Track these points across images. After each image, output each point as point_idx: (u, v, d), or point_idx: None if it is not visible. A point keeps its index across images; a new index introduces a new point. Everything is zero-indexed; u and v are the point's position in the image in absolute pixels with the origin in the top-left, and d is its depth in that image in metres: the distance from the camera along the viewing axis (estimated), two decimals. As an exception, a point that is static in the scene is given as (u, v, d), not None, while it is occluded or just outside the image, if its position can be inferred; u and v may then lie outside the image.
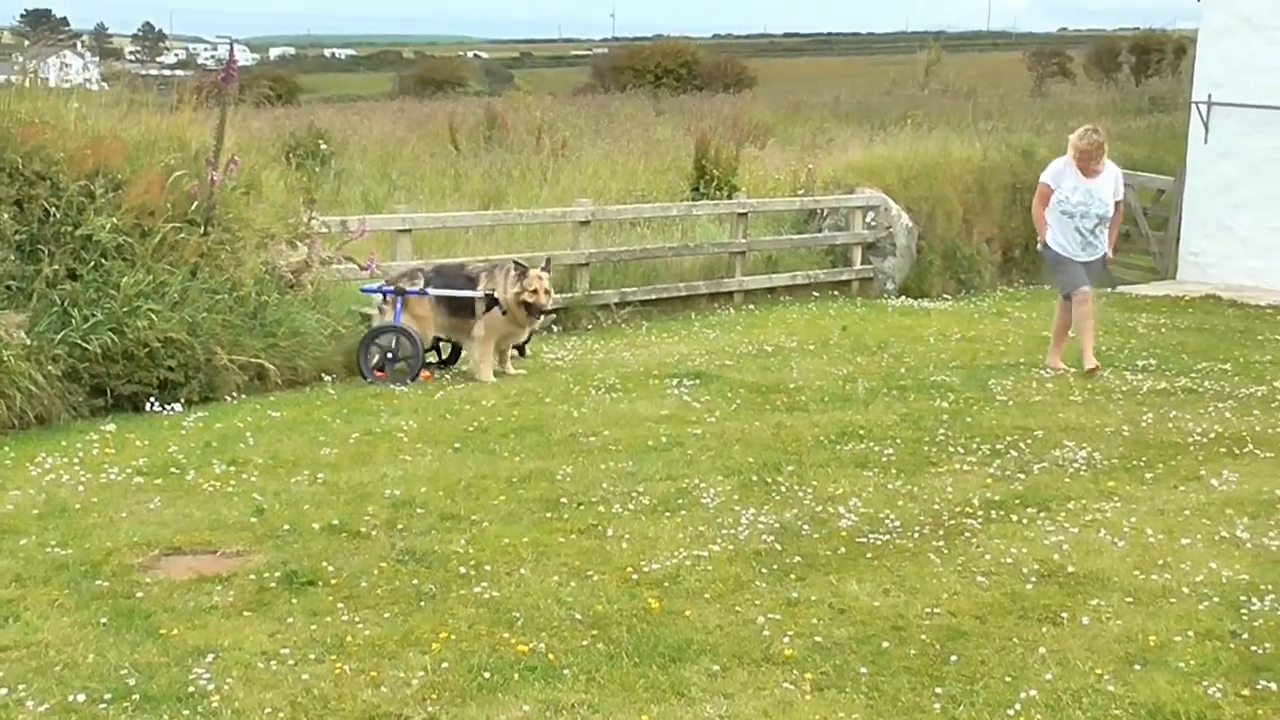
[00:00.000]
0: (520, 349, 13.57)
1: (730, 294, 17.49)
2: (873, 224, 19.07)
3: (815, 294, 18.10)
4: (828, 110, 33.13)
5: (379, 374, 12.74)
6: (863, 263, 19.03)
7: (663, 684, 6.26)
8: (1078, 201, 13.57)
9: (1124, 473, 9.94)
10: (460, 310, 12.94)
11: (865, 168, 19.96)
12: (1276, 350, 15.04)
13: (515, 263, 12.93)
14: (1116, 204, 13.75)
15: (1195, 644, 6.85)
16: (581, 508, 8.81)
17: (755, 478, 9.54)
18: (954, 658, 6.61)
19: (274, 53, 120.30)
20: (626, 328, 15.57)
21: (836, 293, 18.41)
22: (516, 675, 6.30)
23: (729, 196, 18.91)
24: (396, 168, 22.82)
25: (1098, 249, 13.71)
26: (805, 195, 19.30)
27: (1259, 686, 6.36)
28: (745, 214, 17.77)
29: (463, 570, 7.63)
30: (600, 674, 6.34)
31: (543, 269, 12.96)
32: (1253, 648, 6.82)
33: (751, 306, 17.25)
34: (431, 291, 12.97)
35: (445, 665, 6.39)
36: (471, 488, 9.18)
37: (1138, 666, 6.56)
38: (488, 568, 7.67)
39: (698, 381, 12.67)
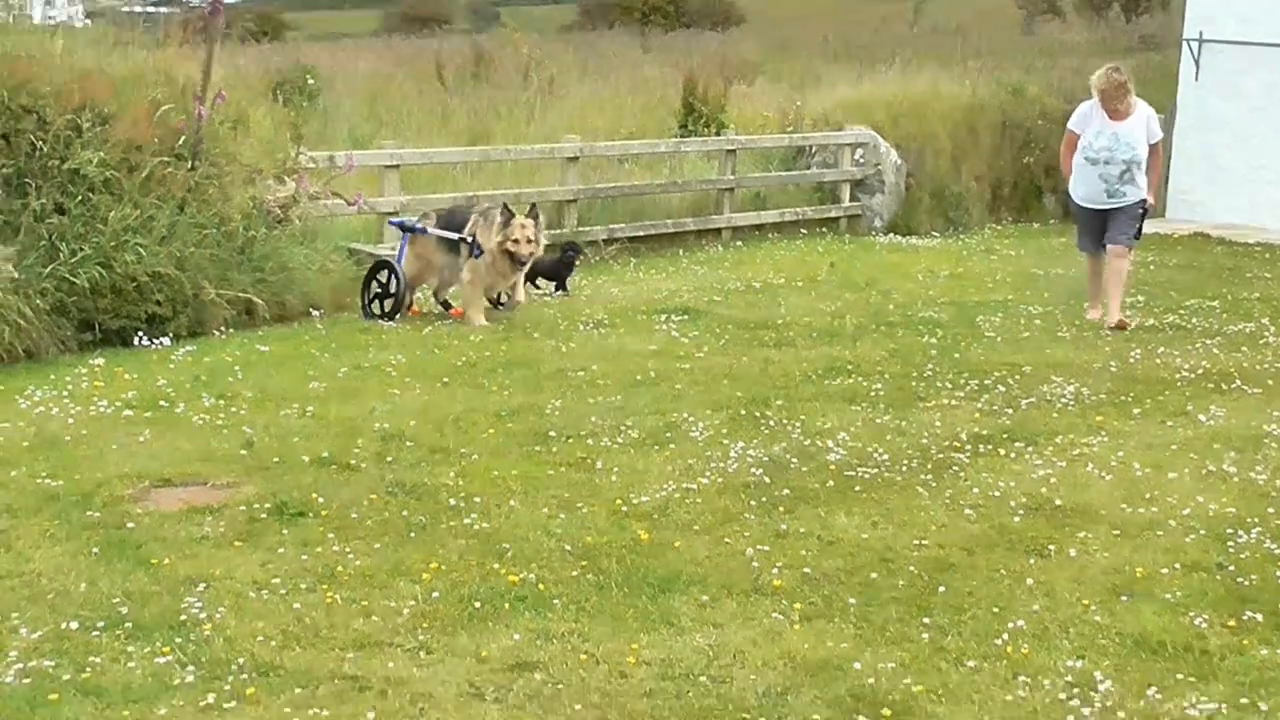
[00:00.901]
0: (505, 297, 13.03)
1: (718, 231, 17.46)
2: (861, 161, 19.04)
3: (803, 231, 18.08)
4: (816, 48, 32.96)
5: (407, 308, 12.75)
6: (851, 200, 19.00)
7: (652, 614, 6.30)
8: (1101, 147, 12.68)
9: (1112, 408, 9.97)
10: (453, 250, 12.63)
11: (854, 105, 19.90)
12: (1264, 288, 15.07)
13: (504, 207, 12.53)
14: (1152, 146, 12.81)
15: (1182, 576, 6.90)
16: (570, 441, 8.82)
17: (744, 412, 9.56)
18: (942, 589, 6.65)
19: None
20: (615, 264, 15.56)
21: (824, 230, 18.39)
22: (507, 605, 6.34)
23: (717, 134, 18.85)
24: (384, 105, 22.72)
25: (1126, 196, 12.74)
26: (794, 133, 19.24)
27: (1244, 617, 6.41)
28: (734, 151, 17.73)
29: (452, 502, 7.65)
30: (590, 604, 6.38)
31: (529, 215, 12.51)
32: (1238, 579, 6.87)
33: (739, 243, 17.23)
34: (431, 230, 12.69)
35: (436, 595, 6.42)
36: (460, 421, 9.19)
37: (1124, 598, 6.61)
38: (477, 500, 7.69)
39: (686, 317, 12.67)
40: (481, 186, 16.02)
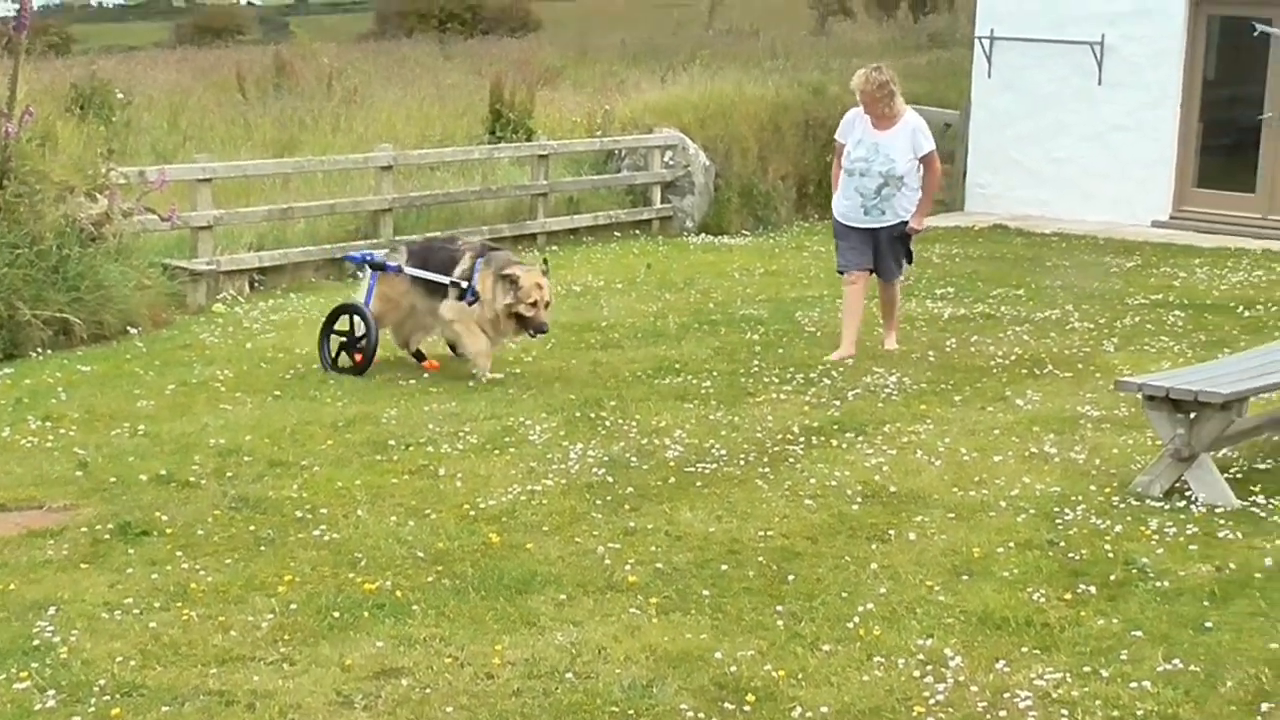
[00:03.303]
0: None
1: (534, 236, 17.52)
2: (671, 163, 19.23)
3: (617, 234, 18.23)
4: (616, 52, 33.15)
5: (358, 357, 10.86)
6: (662, 202, 19.19)
7: (512, 615, 6.38)
8: (858, 158, 11.36)
9: (934, 396, 10.27)
10: (438, 292, 10.82)
11: (662, 108, 20.11)
12: (1065, 275, 15.58)
13: (504, 276, 10.48)
14: (924, 160, 11.42)
15: (1016, 554, 7.17)
16: (410, 449, 8.85)
17: (579, 414, 9.67)
18: (791, 577, 6.84)
19: (36, 1, 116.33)
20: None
21: (638, 232, 18.55)
22: (366, 613, 6.37)
23: (527, 139, 18.92)
24: (185, 118, 22.35)
25: (885, 216, 11.40)
26: (603, 136, 19.39)
27: (1079, 590, 6.70)
28: (546, 156, 17.81)
29: (299, 514, 7.64)
30: (449, 608, 6.44)
31: (541, 270, 10.78)
32: (1069, 554, 7.16)
33: (555, 248, 17.28)
34: (409, 270, 10.94)
35: (294, 607, 6.43)
36: (297, 434, 9.16)
37: (965, 577, 6.85)
38: (324, 511, 7.69)
39: (510, 321, 12.72)
40: (294, 198, 15.90)
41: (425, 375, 10.84)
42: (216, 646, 6.04)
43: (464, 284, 10.62)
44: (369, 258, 11.33)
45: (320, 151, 17.77)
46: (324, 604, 6.46)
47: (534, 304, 10.43)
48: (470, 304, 10.58)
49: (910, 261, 11.88)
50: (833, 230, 11.96)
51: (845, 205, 11.56)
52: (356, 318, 10.93)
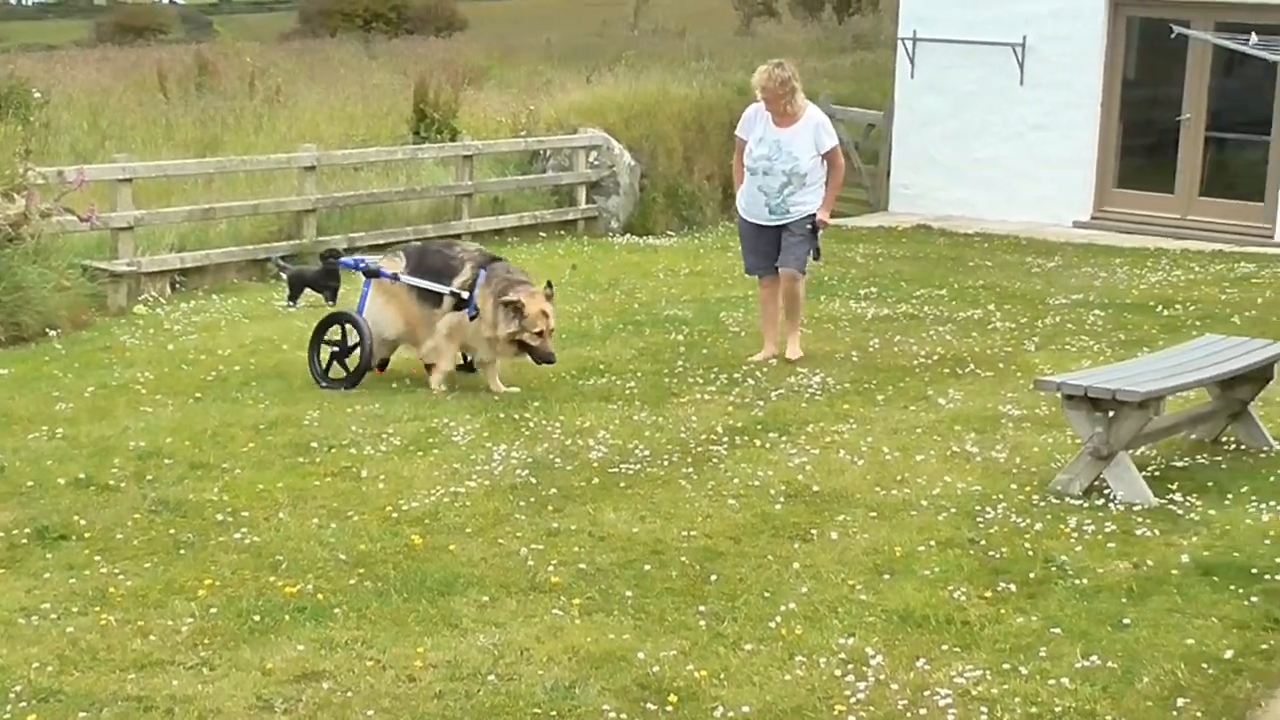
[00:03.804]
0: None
1: (458, 236, 17.39)
2: (596, 163, 19.23)
3: (542, 234, 18.20)
4: (541, 52, 33.12)
5: (376, 367, 10.61)
6: (587, 202, 19.18)
7: (434, 617, 6.37)
8: (760, 156, 11.23)
9: (857, 395, 10.33)
10: (431, 299, 10.42)
11: (587, 108, 20.09)
12: (987, 275, 15.70)
13: (507, 304, 9.99)
14: (828, 157, 11.32)
15: (938, 552, 7.22)
16: (333, 451, 8.81)
17: (503, 415, 9.65)
18: (714, 577, 6.85)
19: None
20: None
21: (563, 232, 18.53)
22: (287, 616, 6.34)
23: (451, 139, 18.84)
24: (105, 117, 22.13)
25: (790, 213, 11.25)
26: (528, 136, 19.36)
27: (999, 588, 6.75)
28: (471, 156, 17.76)
29: (219, 518, 7.59)
30: (371, 611, 6.41)
31: (545, 294, 10.20)
32: (990, 553, 7.22)
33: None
34: (405, 278, 10.48)
35: (214, 611, 6.39)
36: (218, 436, 9.09)
37: (886, 576, 6.90)
38: (245, 514, 7.65)
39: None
40: (216, 198, 15.77)
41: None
42: (135, 651, 5.99)
43: (464, 294, 10.21)
44: (362, 264, 10.88)
45: (243, 151, 17.63)
46: (244, 607, 6.42)
47: (540, 334, 10.01)
48: (471, 318, 10.17)
49: (818, 258, 11.67)
50: (738, 230, 11.90)
51: (749, 203, 11.45)
52: (349, 327, 10.54)
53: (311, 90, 23.40)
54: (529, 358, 10.19)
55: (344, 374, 10.46)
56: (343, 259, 11.60)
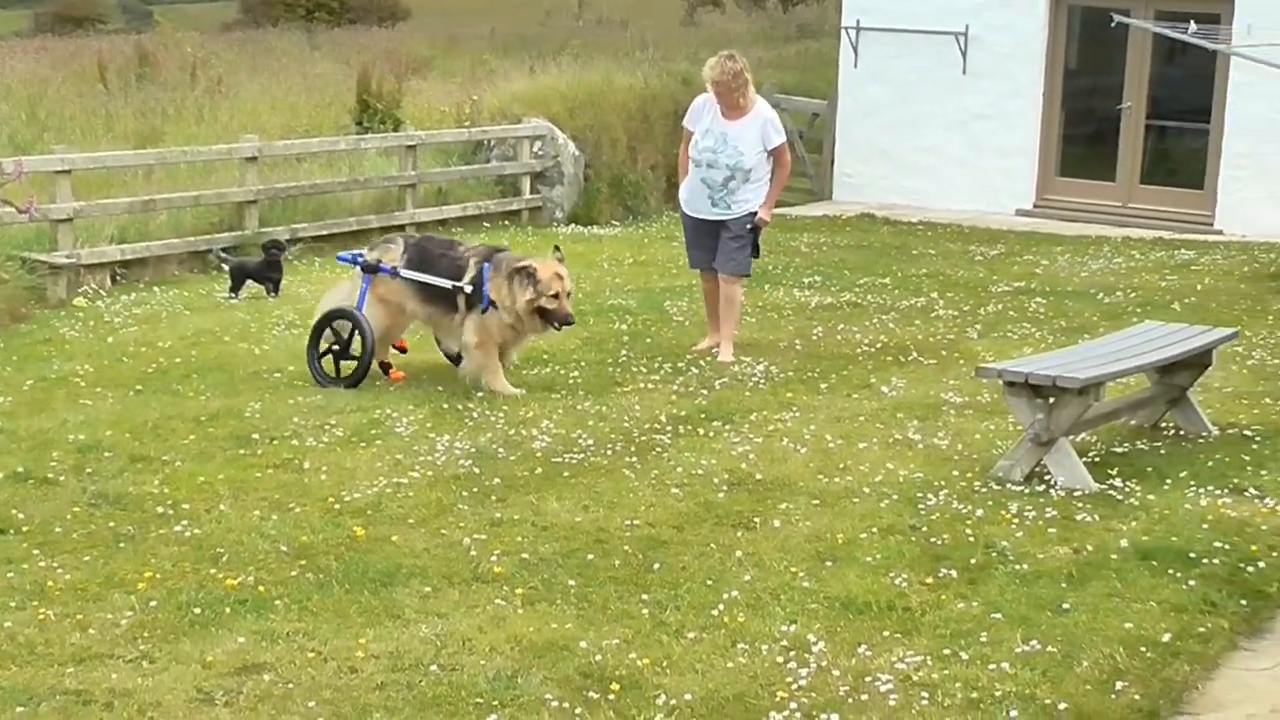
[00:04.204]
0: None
1: (402, 227, 17.34)
2: (540, 153, 19.20)
3: (487, 224, 18.14)
4: (485, 42, 33.05)
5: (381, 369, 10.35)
6: (532, 192, 19.15)
7: (376, 608, 6.35)
8: (705, 148, 11.06)
9: (800, 384, 10.35)
10: (439, 299, 10.17)
11: (531, 98, 20.06)
12: (930, 264, 15.76)
13: (519, 270, 9.86)
14: (774, 154, 11.20)
15: (879, 539, 7.25)
16: (275, 442, 8.77)
17: (446, 405, 9.63)
18: (657, 565, 6.86)
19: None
20: (299, 264, 15.37)
21: (507, 222, 18.49)
22: (228, 609, 6.31)
23: (394, 129, 18.78)
24: (44, 108, 21.94)
25: (731, 210, 11.14)
26: (472, 127, 19.30)
27: (940, 574, 6.79)
28: (414, 146, 17.69)
29: (160, 510, 7.55)
30: (312, 602, 6.39)
31: (557, 258, 10.14)
32: (931, 539, 7.25)
33: (423, 239, 17.22)
34: (405, 273, 10.19)
35: (153, 604, 6.35)
36: (159, 429, 9.03)
37: (829, 563, 6.92)
38: (185, 506, 7.60)
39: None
40: (157, 190, 15.65)
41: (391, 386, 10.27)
42: (74, 645, 5.95)
43: (469, 288, 9.94)
44: (360, 259, 10.47)
45: (184, 142, 17.53)
46: (185, 600, 6.39)
47: (555, 295, 9.83)
48: (483, 311, 9.92)
49: (757, 255, 11.49)
50: (681, 223, 11.84)
51: (691, 195, 11.32)
52: (350, 324, 10.21)
53: (253, 80, 23.29)
54: (551, 327, 10.06)
55: (355, 364, 10.20)
56: (340, 254, 11.09)
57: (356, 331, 10.15)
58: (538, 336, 10.35)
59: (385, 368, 10.47)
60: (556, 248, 10.37)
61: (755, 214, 11.17)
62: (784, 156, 11.29)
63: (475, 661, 5.83)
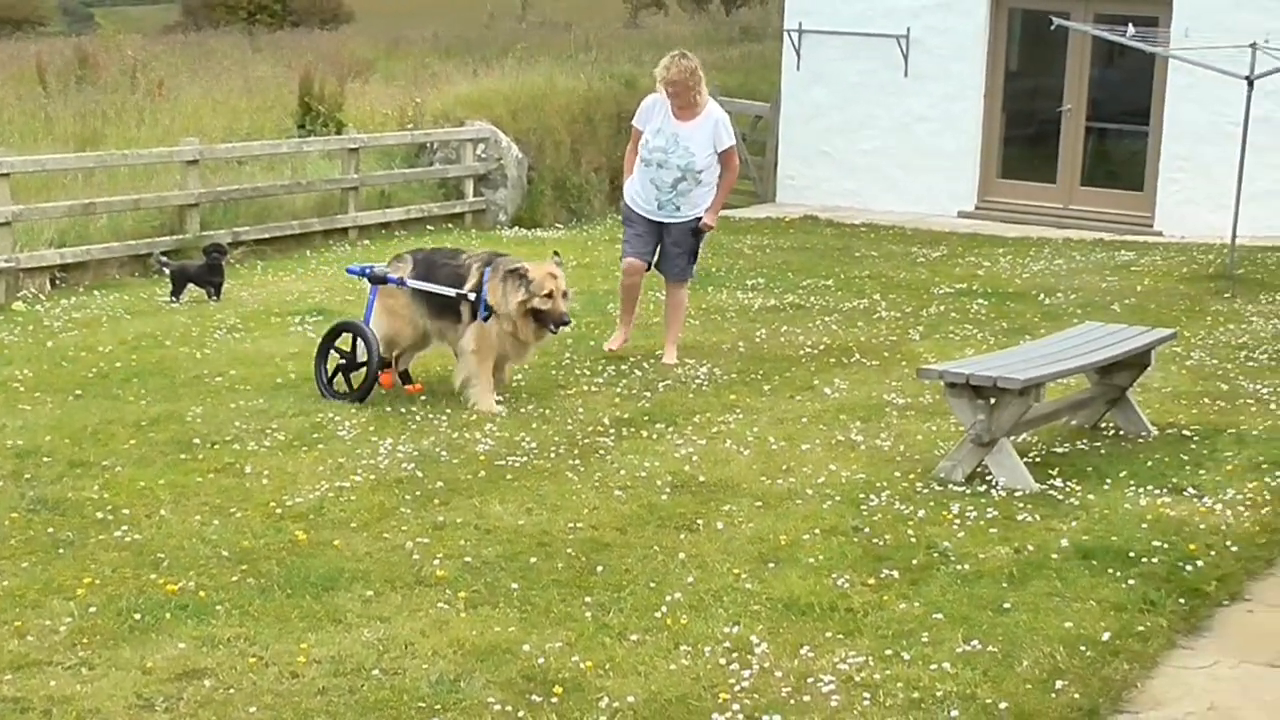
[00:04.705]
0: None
1: (345, 230, 17.36)
2: (483, 156, 19.19)
3: (430, 228, 18.12)
4: (428, 45, 32.98)
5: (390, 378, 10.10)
6: (475, 195, 19.14)
7: (318, 613, 6.32)
8: (656, 148, 10.93)
9: (743, 386, 10.38)
10: (447, 310, 9.91)
11: (474, 101, 20.04)
12: (873, 265, 15.82)
13: (512, 272, 9.66)
14: (723, 156, 11.06)
15: (822, 540, 7.27)
16: (216, 447, 8.72)
17: (389, 409, 9.60)
18: (600, 568, 6.86)
19: None
20: (241, 268, 15.29)
21: (451, 225, 18.47)
22: (168, 615, 6.27)
23: (337, 132, 18.73)
24: (-19, 112, 21.75)
25: (680, 211, 11.04)
26: (415, 130, 19.27)
27: (882, 575, 6.81)
28: (356, 149, 17.65)
29: (100, 516, 7.49)
30: (254, 607, 6.36)
31: (555, 262, 9.87)
32: (874, 540, 7.28)
33: (367, 242, 17.16)
34: (410, 283, 9.95)
35: (93, 610, 6.30)
36: (99, 434, 8.97)
37: (772, 565, 6.93)
38: (125, 511, 7.55)
39: (321, 317, 12.56)
40: (97, 193, 15.54)
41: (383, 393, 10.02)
42: (12, 652, 5.90)
43: (472, 296, 9.67)
44: (369, 270, 10.20)
45: (124, 146, 17.40)
46: (125, 606, 6.34)
47: (549, 295, 9.53)
48: (485, 319, 9.64)
49: (694, 260, 11.33)
50: (622, 215, 11.61)
51: (638, 193, 11.15)
52: (355, 336, 9.91)
53: (194, 83, 23.13)
54: (548, 330, 9.74)
55: (349, 387, 9.93)
56: (350, 266, 10.74)
57: (361, 342, 9.86)
58: (538, 347, 10.04)
59: (406, 379, 10.23)
60: (556, 252, 10.19)
61: (700, 219, 11.09)
62: (733, 160, 11.18)
63: (417, 665, 5.81)
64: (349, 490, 7.93)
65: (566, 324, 9.84)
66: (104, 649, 5.94)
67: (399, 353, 10.24)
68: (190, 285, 13.48)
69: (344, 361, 9.96)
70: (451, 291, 9.76)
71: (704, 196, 11.06)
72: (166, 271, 13.65)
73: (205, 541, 7.14)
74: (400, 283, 9.96)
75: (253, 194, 16.56)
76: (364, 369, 9.81)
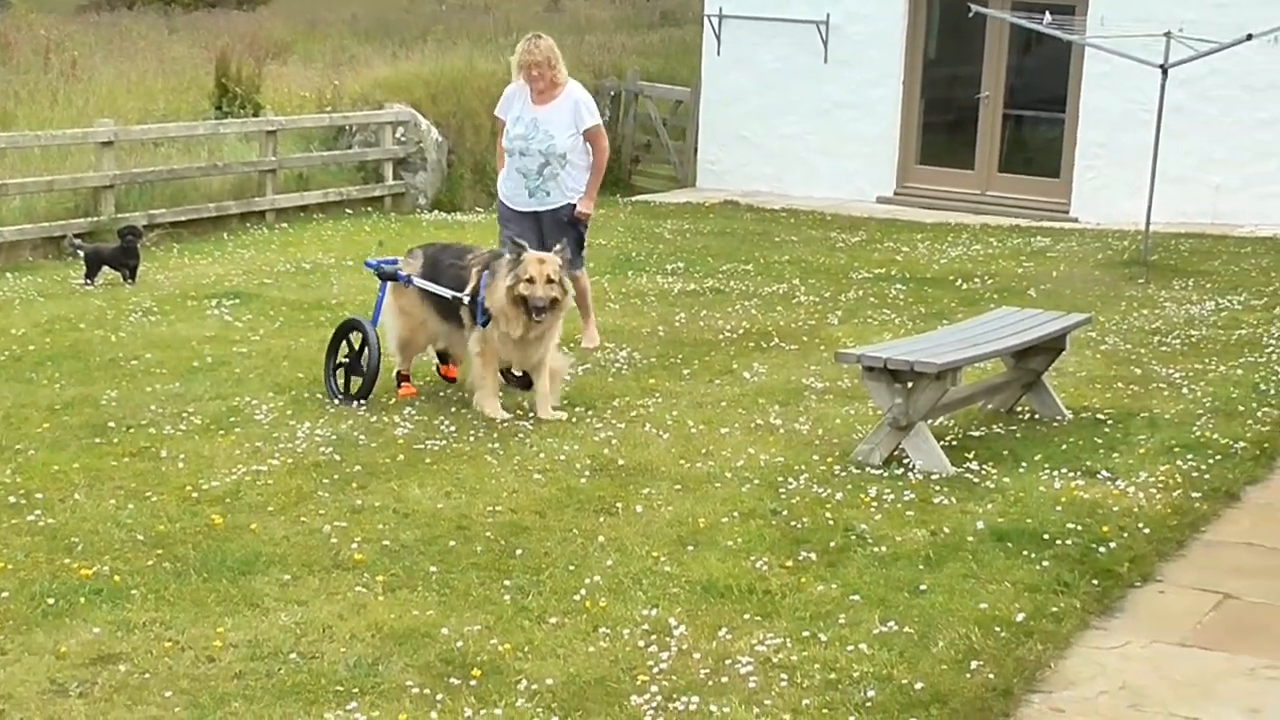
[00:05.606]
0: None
1: (262, 213, 17.23)
2: (403, 139, 19.10)
3: (349, 211, 18.02)
4: (347, 27, 32.75)
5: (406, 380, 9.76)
6: (394, 178, 19.05)
7: (235, 597, 6.28)
8: (517, 135, 10.63)
9: (663, 370, 10.40)
10: (453, 314, 9.46)
11: (393, 84, 19.93)
12: (792, 250, 15.88)
13: (500, 257, 9.31)
14: (589, 136, 10.70)
15: (741, 523, 7.30)
16: (131, 431, 8.64)
17: (307, 393, 9.55)
18: (519, 551, 6.86)
19: None
20: (157, 250, 15.15)
21: (370, 209, 18.37)
22: (82, 599, 6.21)
23: (254, 114, 18.58)
24: (-110, 92, 21.41)
25: (550, 197, 10.68)
26: (334, 112, 19.14)
27: (800, 557, 6.85)
28: (274, 132, 17.51)
29: (12, 500, 7.40)
30: (169, 592, 6.31)
31: (557, 251, 9.25)
32: (792, 523, 7.32)
33: (285, 225, 17.05)
34: (417, 281, 9.55)
35: (5, 595, 6.23)
36: (11, 417, 8.87)
37: (690, 547, 6.95)
38: (39, 495, 7.47)
39: (238, 301, 12.49)
40: (8, 174, 15.35)
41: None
42: (-78, 638, 5.83)
43: (467, 299, 9.25)
44: (380, 265, 9.80)
45: (37, 126, 17.19)
46: (38, 591, 6.27)
47: (530, 280, 8.93)
48: (483, 324, 9.16)
49: (582, 249, 10.89)
50: (498, 215, 11.25)
51: (508, 187, 10.86)
52: (359, 335, 9.55)
53: (109, 64, 22.86)
54: (536, 322, 9.04)
55: (345, 388, 9.56)
56: (368, 260, 10.13)
57: (364, 342, 9.52)
58: (542, 348, 9.26)
59: (401, 378, 9.82)
60: (560, 248, 9.41)
61: (574, 206, 10.77)
62: (600, 139, 10.81)
63: (335, 649, 5.79)
64: (266, 474, 7.88)
65: (540, 309, 8.98)
66: (17, 634, 5.87)
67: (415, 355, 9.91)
68: (105, 268, 13.34)
69: (346, 360, 9.59)
70: (448, 294, 9.38)
71: (576, 179, 10.72)
72: (81, 254, 13.49)
73: (120, 525, 7.07)
74: (407, 280, 9.58)
75: (169, 176, 16.41)
76: (365, 369, 9.44)
